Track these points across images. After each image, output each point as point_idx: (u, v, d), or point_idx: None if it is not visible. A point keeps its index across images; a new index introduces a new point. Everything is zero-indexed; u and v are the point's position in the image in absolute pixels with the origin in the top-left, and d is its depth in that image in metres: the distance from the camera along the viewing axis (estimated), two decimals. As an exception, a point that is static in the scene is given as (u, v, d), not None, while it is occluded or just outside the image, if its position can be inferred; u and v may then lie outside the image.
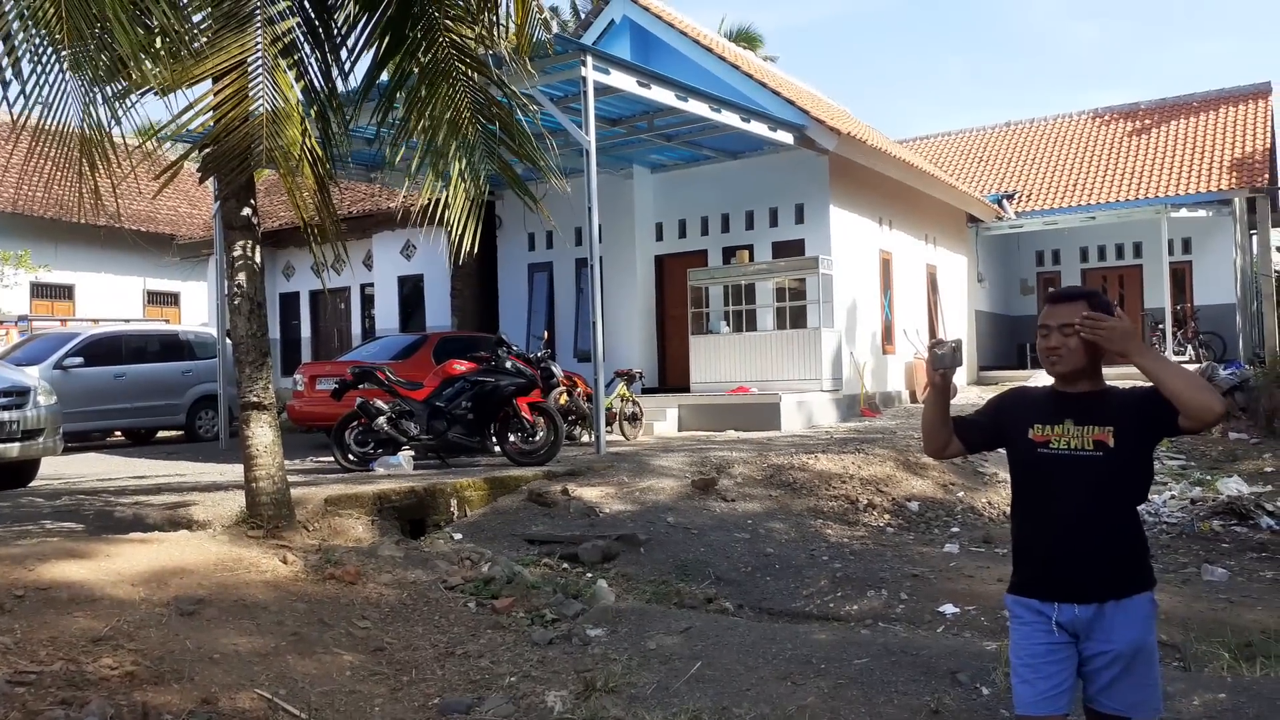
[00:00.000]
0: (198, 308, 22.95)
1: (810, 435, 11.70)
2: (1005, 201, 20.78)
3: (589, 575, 6.13)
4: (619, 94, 11.41)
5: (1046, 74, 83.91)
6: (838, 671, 4.26)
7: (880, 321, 15.99)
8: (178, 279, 23.12)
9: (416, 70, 6.46)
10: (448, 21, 6.56)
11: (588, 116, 10.27)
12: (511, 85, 6.95)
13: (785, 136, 13.58)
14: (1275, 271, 19.26)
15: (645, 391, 13.95)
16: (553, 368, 10.17)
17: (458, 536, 6.87)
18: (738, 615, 5.61)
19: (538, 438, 9.33)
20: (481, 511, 7.59)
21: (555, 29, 17.82)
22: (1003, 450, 2.66)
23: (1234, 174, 18.96)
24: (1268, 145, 19.71)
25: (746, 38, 26.87)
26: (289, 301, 19.52)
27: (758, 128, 13.10)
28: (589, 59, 10.34)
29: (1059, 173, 21.53)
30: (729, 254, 15.09)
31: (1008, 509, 8.44)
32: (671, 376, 15.57)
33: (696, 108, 12.10)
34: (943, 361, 2.57)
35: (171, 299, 23.68)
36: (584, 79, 10.27)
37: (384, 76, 6.75)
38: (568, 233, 15.54)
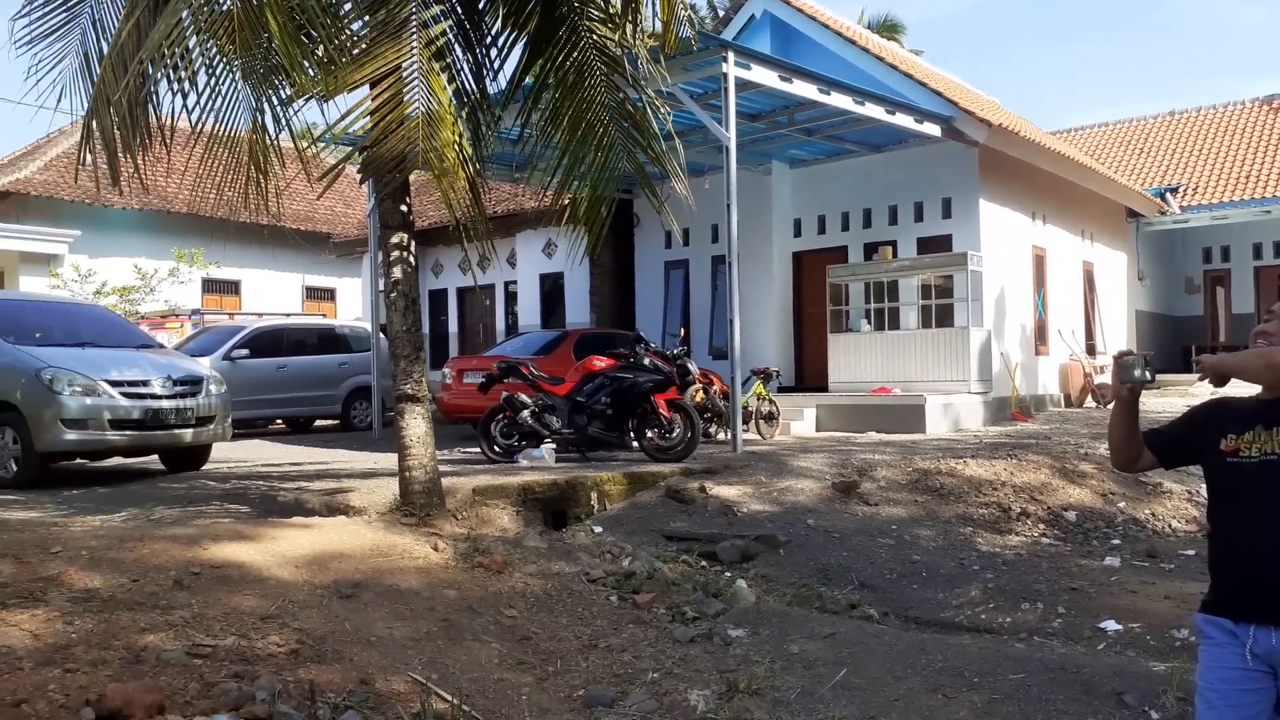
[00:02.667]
0: (352, 303, 24.06)
1: (957, 439, 11.30)
2: (1169, 195, 19.51)
3: (728, 574, 6.09)
4: (760, 89, 11.30)
5: (1206, 61, 78.34)
6: (991, 686, 4.09)
7: (1032, 321, 15.30)
8: (334, 275, 24.32)
9: (559, 72, 6.57)
10: (590, 23, 6.65)
11: (728, 113, 10.21)
12: (649, 84, 6.99)
13: (932, 129, 13.15)
14: None
15: (782, 390, 13.78)
16: (689, 365, 10.16)
17: (598, 530, 6.95)
18: (883, 623, 5.45)
19: (674, 434, 9.35)
20: (620, 506, 7.65)
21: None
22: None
23: None
24: None
25: (888, 28, 26.18)
26: (437, 298, 20.22)
27: (903, 120, 12.74)
28: (730, 55, 10.27)
29: (1229, 164, 20.05)
30: (870, 250, 14.73)
31: (1173, 521, 7.93)
32: (809, 375, 15.32)
33: (839, 101, 11.85)
34: (1130, 375, 2.42)
35: (328, 294, 24.92)
36: (724, 75, 10.20)
37: (528, 80, 6.90)
38: (704, 230, 15.54)
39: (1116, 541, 7.31)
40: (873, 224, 15.03)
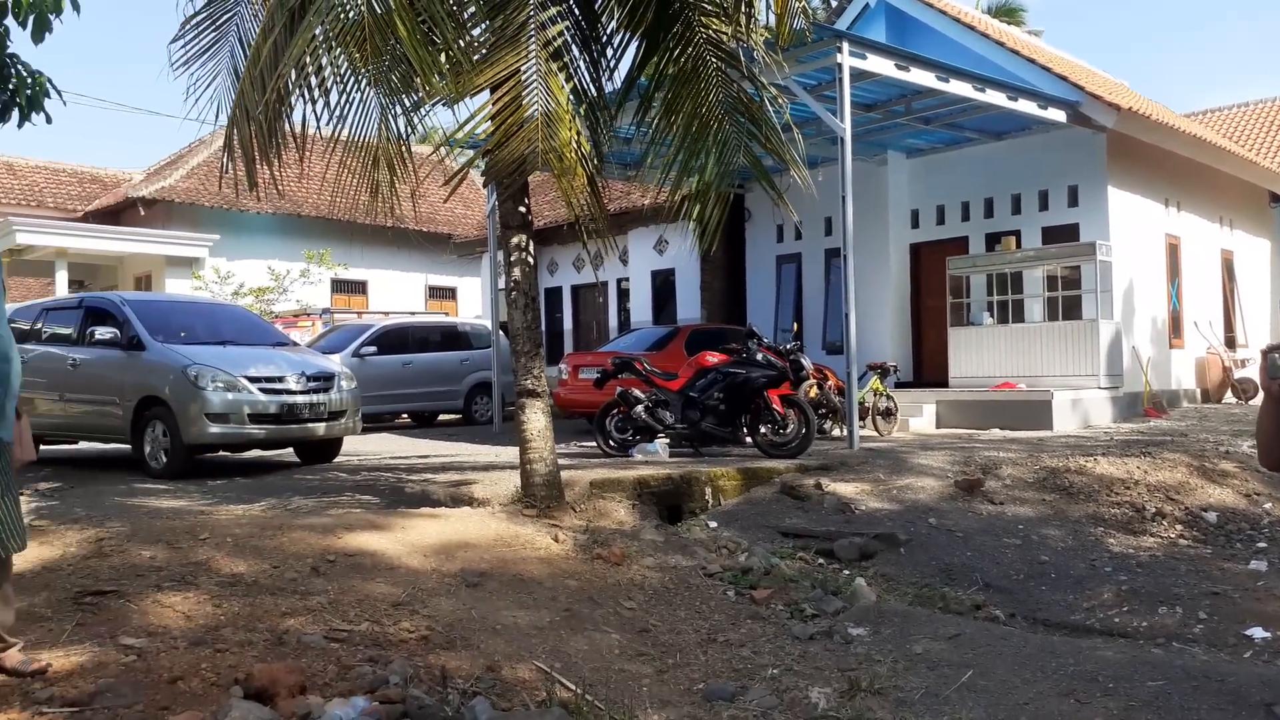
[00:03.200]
0: (473, 301, 24.72)
1: (1086, 435, 10.86)
2: (1320, 176, 18.25)
3: (846, 572, 6.02)
4: (875, 79, 11.10)
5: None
6: (1128, 693, 3.93)
7: (1165, 312, 14.57)
8: (455, 275, 25.03)
9: (673, 68, 6.60)
10: (704, 18, 6.65)
11: (843, 104, 10.06)
12: (763, 77, 6.95)
13: (1057, 114, 12.66)
14: None
15: (899, 386, 13.50)
16: (802, 360, 10.05)
17: (713, 524, 6.96)
18: (1009, 625, 5.30)
19: (789, 430, 9.29)
20: (735, 501, 7.64)
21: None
22: None
23: None
24: None
25: (1007, 12, 25.28)
26: (552, 295, 20.56)
27: (1026, 106, 12.30)
28: (845, 45, 10.12)
29: (1389, 141, 18.64)
30: (992, 241, 14.27)
31: (1328, 525, 7.44)
32: (928, 370, 14.96)
33: (958, 88, 11.53)
34: (1279, 371, 2.31)
35: (449, 293, 25.66)
36: (839, 65, 10.06)
37: (642, 79, 6.96)
38: (817, 223, 15.34)
39: (1263, 545, 6.91)
40: (994, 214, 14.56)
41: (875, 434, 11.30)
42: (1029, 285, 13.43)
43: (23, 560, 4.18)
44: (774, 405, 9.32)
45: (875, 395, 11.58)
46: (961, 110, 12.91)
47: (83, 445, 11.52)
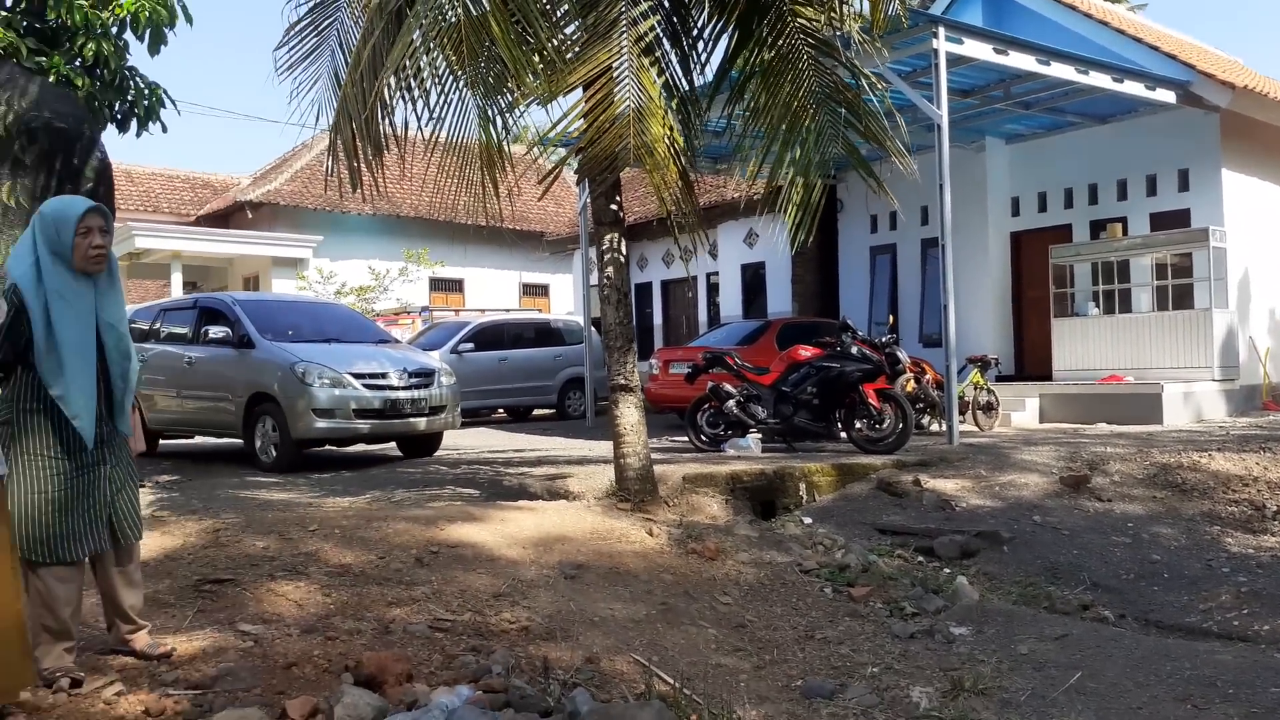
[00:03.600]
0: (564, 297, 25.00)
1: (1199, 430, 10.39)
2: None
3: (947, 571, 5.91)
4: (972, 63, 10.81)
5: None
6: (1249, 699, 3.76)
7: (1288, 301, 13.82)
8: (547, 272, 25.35)
9: (765, 59, 6.55)
10: (796, 6, 6.59)
11: (939, 90, 9.82)
12: (857, 64, 6.84)
13: (1166, 95, 12.11)
14: None
15: (1000, 379, 13.12)
16: (898, 353, 9.86)
17: (807, 520, 6.90)
18: (1119, 626, 5.12)
19: (885, 425, 9.13)
20: (829, 497, 7.56)
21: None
22: None
23: None
24: None
25: (1114, -11, 24.28)
26: (642, 291, 20.64)
27: (1132, 88, 11.80)
28: (940, 30, 9.87)
29: None
30: (1097, 228, 13.73)
31: None
32: (1030, 363, 14.51)
33: (1060, 71, 11.13)
34: None
35: (542, 290, 26.00)
36: (935, 51, 9.82)
37: (733, 71, 6.93)
38: (913, 212, 15.01)
39: (1398, 546, 6.51)
40: (1099, 200, 14.02)
41: (975, 429, 11.03)
42: (1136, 274, 12.89)
43: (146, 549, 4.40)
44: (870, 400, 9.18)
45: (975, 389, 11.29)
46: (1063, 94, 12.46)
47: (198, 440, 12.05)
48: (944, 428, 9.93)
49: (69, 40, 7.57)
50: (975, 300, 14.29)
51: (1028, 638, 4.55)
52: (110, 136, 7.50)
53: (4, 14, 7.53)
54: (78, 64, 7.57)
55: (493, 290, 24.14)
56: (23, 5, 7.63)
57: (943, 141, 9.83)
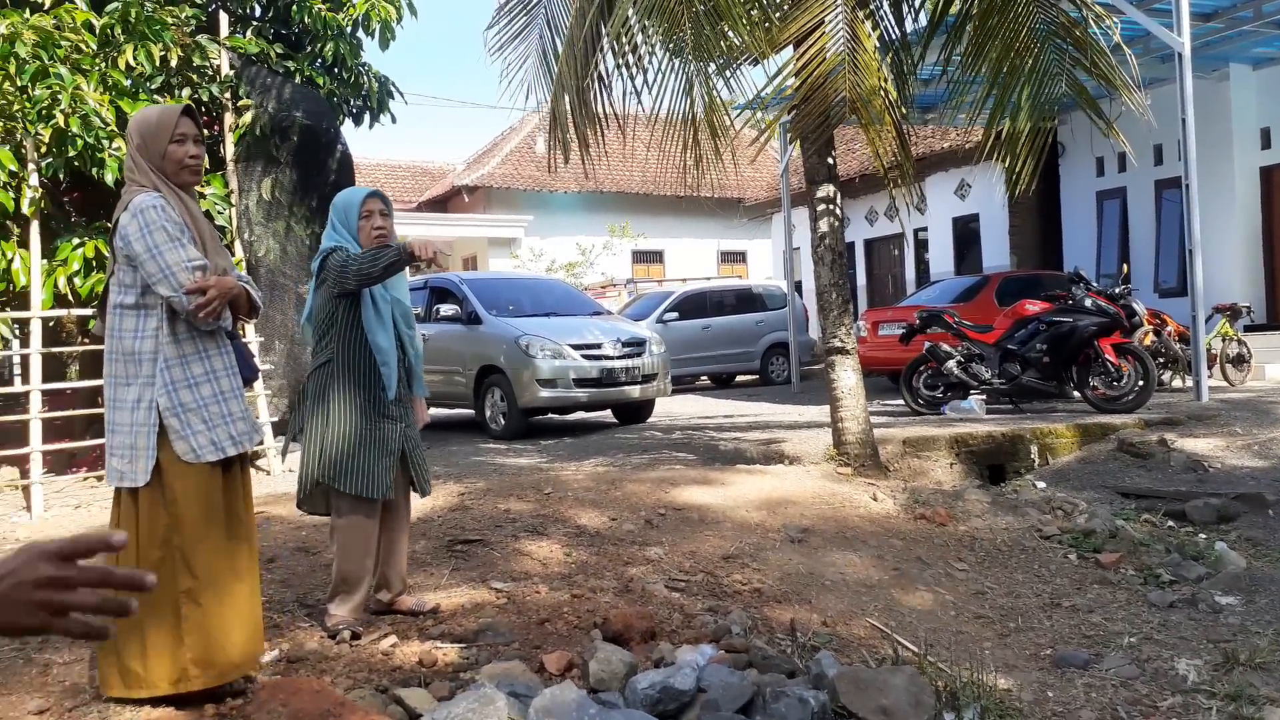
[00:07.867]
0: (762, 263, 24.82)
1: None
2: None
3: (1203, 536, 5.48)
4: (1217, -19, 9.80)
5: None
6: None
7: None
8: (744, 238, 25.22)
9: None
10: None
11: (1180, 15, 8.97)
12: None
13: None
14: None
15: (1251, 329, 11.94)
16: (1135, 305, 9.15)
17: (1041, 485, 6.58)
18: None
19: (1124, 382, 8.52)
20: (1064, 460, 7.16)
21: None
22: None
23: None
24: None
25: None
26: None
27: None
28: (1182, -53, 9.00)
29: None
30: (1369, 157, 12.20)
31: None
32: (1286, 310, 13.12)
33: (1326, -20, 9.90)
34: None
35: (739, 257, 25.92)
36: (1174, -29, 8.97)
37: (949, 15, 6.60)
38: (1145, 152, 13.79)
39: None
40: (1373, 124, 12.41)
41: (1225, 383, 10.12)
42: None
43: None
44: (1107, 355, 8.59)
45: (1224, 340, 10.34)
46: (1328, 6, 11.08)
47: (433, 411, 12.86)
48: (1188, 383, 9.17)
49: (310, 43, 8.19)
50: (1221, 243, 13.01)
51: (1309, 610, 4.15)
52: (345, 130, 8.07)
53: (255, 24, 8.25)
54: (319, 64, 8.19)
55: (692, 260, 24.28)
56: (270, 14, 8.33)
57: (1185, 72, 8.98)
